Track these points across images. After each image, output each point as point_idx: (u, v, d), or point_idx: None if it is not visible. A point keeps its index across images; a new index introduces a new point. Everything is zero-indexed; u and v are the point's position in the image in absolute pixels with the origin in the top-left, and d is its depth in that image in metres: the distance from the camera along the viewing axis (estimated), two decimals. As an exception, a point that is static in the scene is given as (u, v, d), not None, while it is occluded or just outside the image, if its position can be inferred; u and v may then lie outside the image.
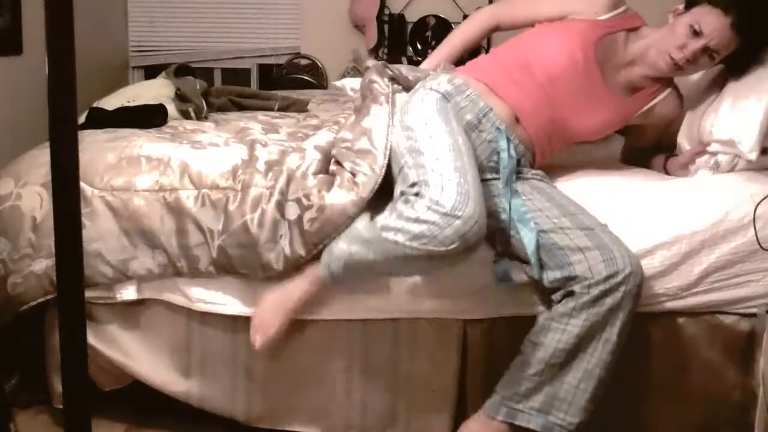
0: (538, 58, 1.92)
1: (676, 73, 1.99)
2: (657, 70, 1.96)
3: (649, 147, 2.22)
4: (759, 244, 1.83)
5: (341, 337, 1.94)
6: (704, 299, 1.89)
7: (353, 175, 1.82)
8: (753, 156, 1.90)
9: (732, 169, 1.98)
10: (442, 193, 1.59)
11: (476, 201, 1.59)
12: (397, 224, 1.61)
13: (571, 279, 1.70)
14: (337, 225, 1.78)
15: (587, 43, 1.93)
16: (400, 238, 1.59)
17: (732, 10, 1.87)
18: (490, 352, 1.93)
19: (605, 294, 1.67)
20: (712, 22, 1.88)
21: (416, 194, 1.63)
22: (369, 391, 1.97)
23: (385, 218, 1.66)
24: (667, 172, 2.13)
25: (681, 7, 1.98)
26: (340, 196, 1.79)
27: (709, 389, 1.94)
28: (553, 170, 2.04)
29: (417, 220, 1.58)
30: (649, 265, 1.83)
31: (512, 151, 1.88)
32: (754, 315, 1.90)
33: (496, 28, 2.17)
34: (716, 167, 1.97)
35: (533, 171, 1.96)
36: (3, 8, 3.07)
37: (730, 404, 1.94)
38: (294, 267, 1.82)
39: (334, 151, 1.91)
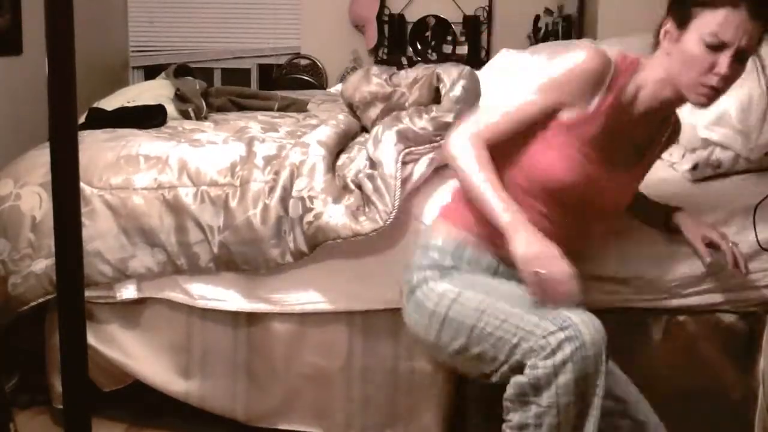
0: (536, 177, 1.61)
1: (716, 99, 1.57)
2: (687, 105, 1.63)
3: None
4: (759, 244, 1.84)
5: (342, 332, 1.94)
6: (705, 299, 1.89)
7: (366, 205, 1.80)
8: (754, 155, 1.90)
9: (733, 167, 1.97)
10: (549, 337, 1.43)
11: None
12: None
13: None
14: (327, 238, 1.78)
15: (583, 147, 1.58)
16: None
17: (740, 1, 1.51)
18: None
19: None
20: (730, 25, 1.50)
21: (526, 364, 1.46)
22: (369, 389, 1.97)
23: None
24: (668, 229, 1.85)
25: (670, 25, 1.56)
26: (341, 216, 1.78)
27: (709, 389, 1.94)
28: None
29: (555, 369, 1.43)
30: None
31: None
32: (754, 314, 1.90)
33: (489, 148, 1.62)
34: (717, 165, 1.97)
35: None
36: (3, 8, 3.08)
37: (730, 404, 1.94)
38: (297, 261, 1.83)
39: (360, 175, 1.87)
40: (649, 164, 1.75)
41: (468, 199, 1.61)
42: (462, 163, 1.57)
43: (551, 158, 1.59)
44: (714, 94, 1.54)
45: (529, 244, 1.47)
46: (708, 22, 1.51)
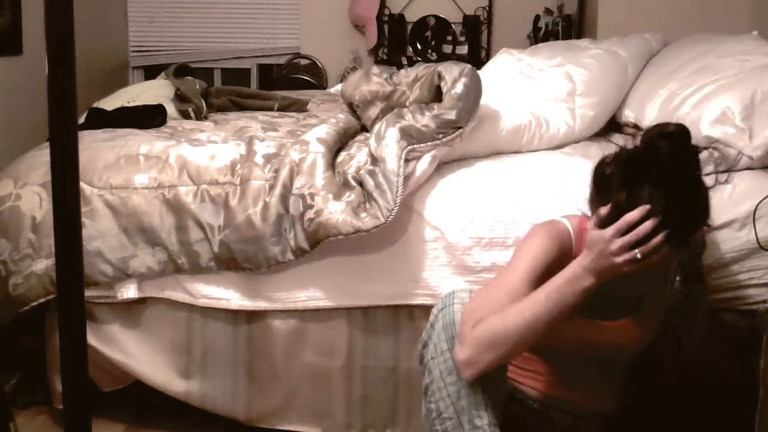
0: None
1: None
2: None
3: None
4: (759, 244, 1.83)
5: (342, 331, 1.94)
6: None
7: (367, 201, 1.81)
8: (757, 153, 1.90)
9: (734, 165, 1.97)
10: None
11: None
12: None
13: None
14: (328, 235, 1.78)
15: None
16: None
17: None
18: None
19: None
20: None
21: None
22: (369, 389, 1.97)
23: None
24: None
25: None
26: (342, 212, 1.78)
27: (709, 389, 1.94)
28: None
29: None
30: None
31: None
32: (755, 313, 1.90)
33: None
34: (719, 163, 1.96)
35: None
36: (3, 8, 3.08)
37: (730, 404, 1.94)
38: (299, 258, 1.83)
39: (361, 171, 1.89)
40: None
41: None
42: (502, 330, 1.38)
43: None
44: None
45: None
46: None
